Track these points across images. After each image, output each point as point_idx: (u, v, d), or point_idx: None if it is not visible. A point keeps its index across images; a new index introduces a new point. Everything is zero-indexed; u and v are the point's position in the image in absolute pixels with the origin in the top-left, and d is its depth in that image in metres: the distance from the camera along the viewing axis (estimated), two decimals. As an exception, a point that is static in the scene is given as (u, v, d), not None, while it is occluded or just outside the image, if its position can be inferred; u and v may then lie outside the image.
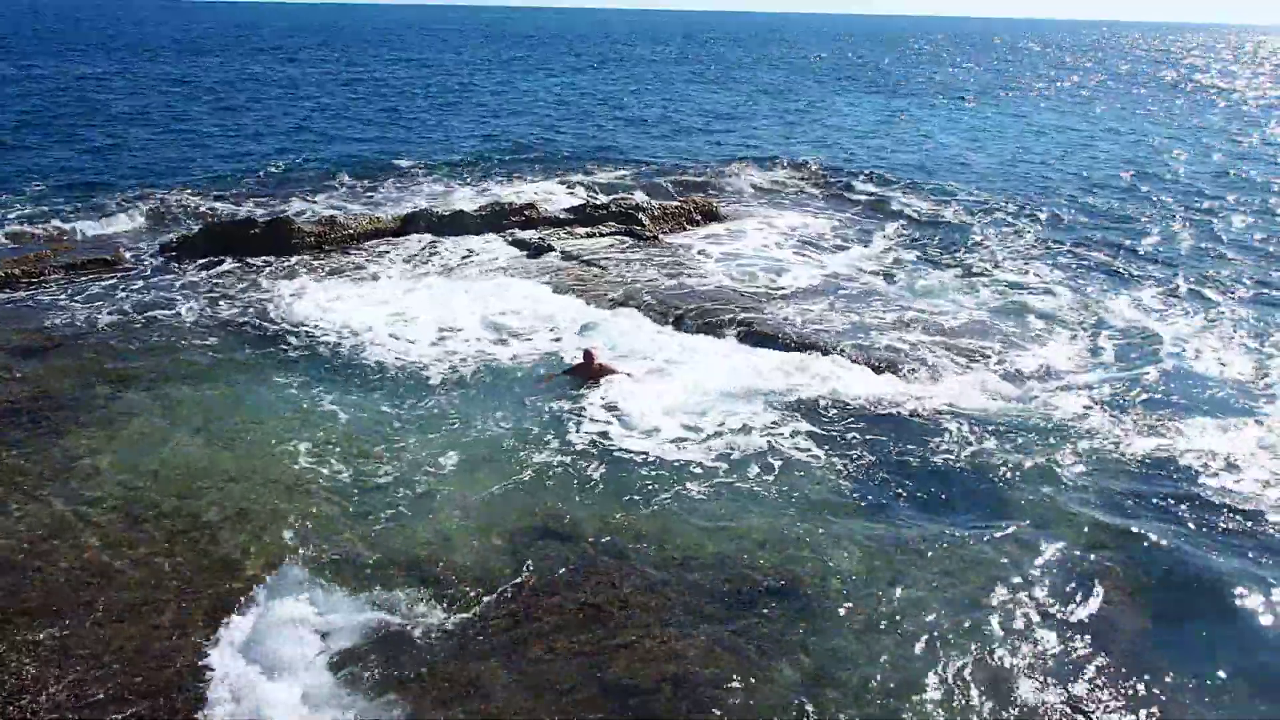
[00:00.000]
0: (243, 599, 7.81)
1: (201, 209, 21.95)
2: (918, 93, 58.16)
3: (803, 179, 27.75)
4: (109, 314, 14.59)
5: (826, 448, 10.67)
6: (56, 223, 19.59)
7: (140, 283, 16.38)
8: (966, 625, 7.67)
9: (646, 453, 10.45)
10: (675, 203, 22.11)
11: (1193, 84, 69.12)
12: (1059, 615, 7.87)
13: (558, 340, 13.91)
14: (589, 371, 12.20)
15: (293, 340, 13.67)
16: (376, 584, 8.07)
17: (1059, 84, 67.46)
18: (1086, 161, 31.98)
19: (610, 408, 11.48)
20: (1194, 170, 30.67)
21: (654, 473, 10.01)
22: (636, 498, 9.51)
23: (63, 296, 15.43)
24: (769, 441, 10.75)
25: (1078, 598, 8.09)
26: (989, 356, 13.63)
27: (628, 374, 12.31)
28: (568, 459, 10.28)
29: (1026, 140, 37.81)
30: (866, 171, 28.82)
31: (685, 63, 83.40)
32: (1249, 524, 9.31)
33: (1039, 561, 8.54)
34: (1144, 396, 12.39)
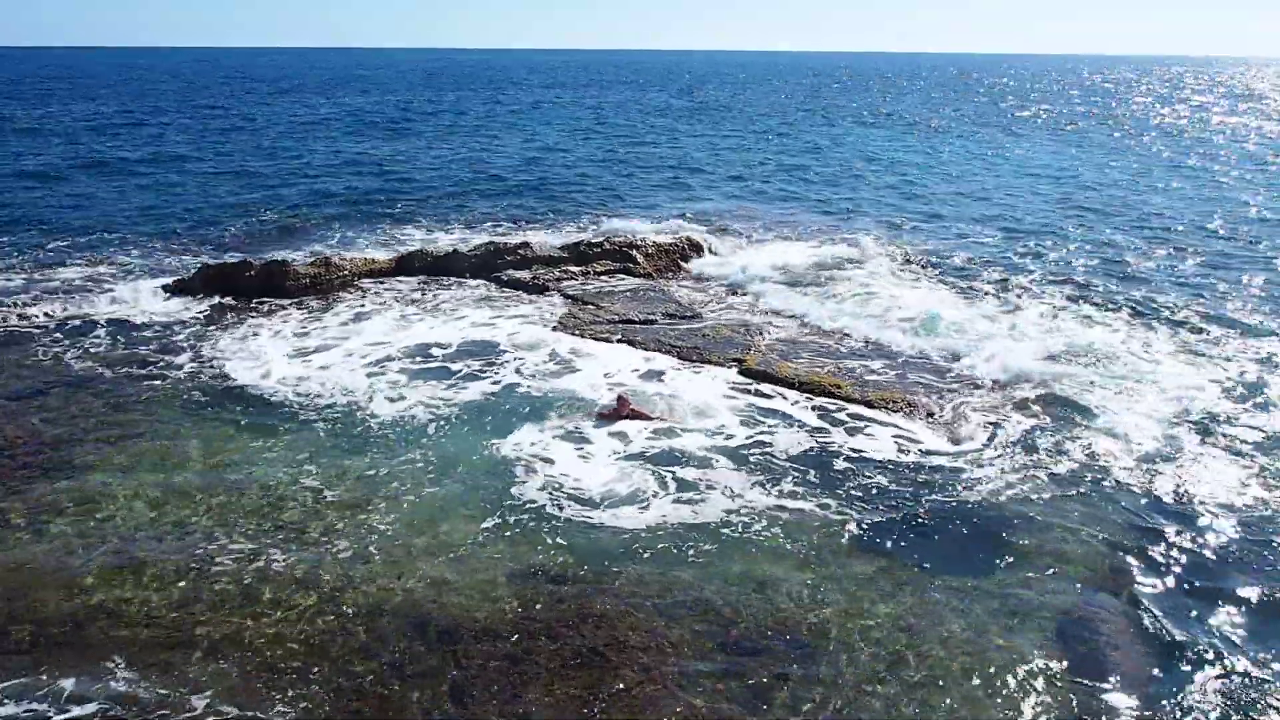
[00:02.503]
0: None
1: (198, 251, 22.04)
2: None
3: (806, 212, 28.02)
4: (100, 360, 14.50)
5: (833, 490, 10.60)
6: (50, 266, 19.64)
7: (134, 327, 16.33)
8: (976, 678, 7.54)
9: (644, 497, 10.39)
10: (668, 240, 22.27)
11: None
12: (1080, 673, 7.67)
13: (557, 379, 13.89)
14: (619, 416, 12.27)
15: (280, 395, 13.24)
16: (364, 629, 7.96)
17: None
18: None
19: (612, 452, 11.45)
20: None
21: (654, 516, 9.93)
22: (636, 541, 9.42)
23: (59, 340, 15.36)
24: (772, 484, 10.70)
25: (1095, 651, 7.95)
26: (1013, 397, 13.64)
27: (658, 418, 12.32)
28: (563, 502, 10.20)
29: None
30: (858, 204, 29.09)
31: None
32: None
33: (1058, 615, 8.35)
34: (1196, 443, 11.87)
